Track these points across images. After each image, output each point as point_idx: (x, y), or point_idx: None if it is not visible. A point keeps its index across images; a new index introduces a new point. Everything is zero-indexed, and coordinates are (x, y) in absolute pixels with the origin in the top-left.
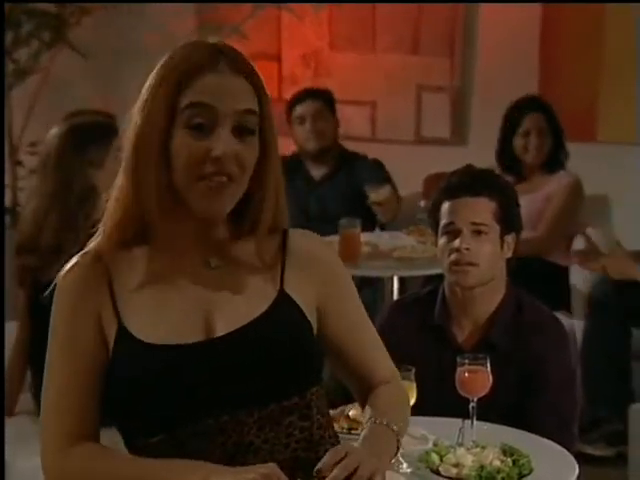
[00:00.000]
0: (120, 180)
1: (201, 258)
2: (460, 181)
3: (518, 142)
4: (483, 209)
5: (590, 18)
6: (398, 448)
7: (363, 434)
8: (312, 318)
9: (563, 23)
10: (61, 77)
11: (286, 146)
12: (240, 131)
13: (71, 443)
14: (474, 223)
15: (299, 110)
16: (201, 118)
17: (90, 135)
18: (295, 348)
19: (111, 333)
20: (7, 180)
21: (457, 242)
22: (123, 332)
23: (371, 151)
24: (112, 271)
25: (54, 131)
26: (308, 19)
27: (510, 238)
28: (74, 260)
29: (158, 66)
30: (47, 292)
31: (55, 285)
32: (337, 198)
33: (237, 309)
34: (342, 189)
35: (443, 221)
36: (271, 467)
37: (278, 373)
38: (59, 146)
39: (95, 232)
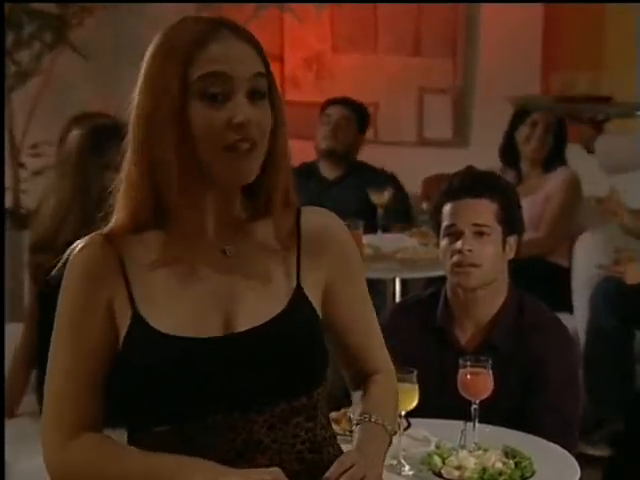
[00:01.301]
0: (130, 164)
1: (217, 244)
2: (461, 183)
3: (523, 131)
4: (485, 210)
5: (591, 18)
6: (390, 444)
7: (358, 434)
8: (319, 308)
9: (564, 23)
10: (62, 79)
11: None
12: (253, 96)
13: (73, 434)
14: (476, 224)
15: (329, 110)
16: (216, 87)
17: (109, 137)
18: (309, 347)
19: (124, 319)
20: (9, 182)
21: (459, 244)
22: (138, 320)
23: (373, 153)
24: (124, 255)
25: (75, 132)
26: (310, 21)
27: (512, 240)
28: (84, 241)
29: (156, 43)
30: (54, 271)
31: (60, 269)
32: (351, 197)
33: (257, 305)
34: (353, 191)
35: (445, 223)
36: (276, 472)
37: (291, 372)
38: (79, 147)
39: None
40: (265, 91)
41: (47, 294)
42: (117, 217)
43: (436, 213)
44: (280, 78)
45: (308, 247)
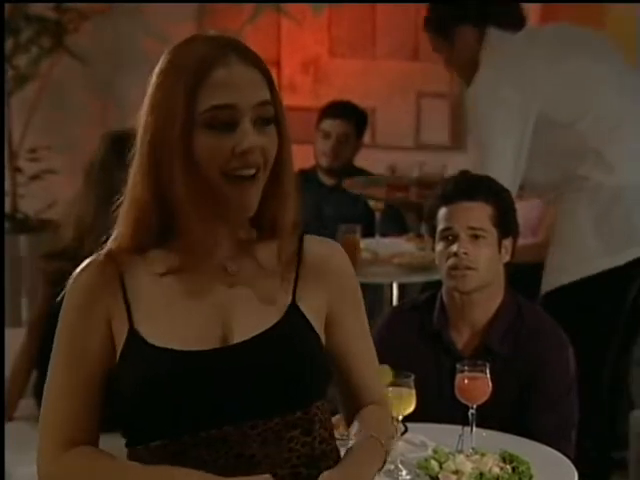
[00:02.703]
0: (136, 183)
1: (220, 262)
2: (456, 187)
3: None
4: (480, 213)
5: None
6: (384, 463)
7: (352, 445)
8: (321, 330)
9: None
10: (60, 84)
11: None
12: (258, 122)
13: (68, 447)
14: (471, 227)
15: (327, 125)
16: (223, 117)
17: (130, 145)
18: (304, 360)
19: (121, 336)
20: (6, 186)
21: (455, 247)
22: (134, 335)
23: (371, 157)
24: (125, 273)
25: (100, 144)
26: (307, 25)
27: (508, 242)
28: (87, 262)
29: (163, 64)
30: (60, 296)
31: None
32: (349, 203)
33: (252, 318)
34: (351, 196)
35: (440, 226)
36: (267, 479)
37: (285, 385)
38: (103, 155)
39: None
40: (271, 117)
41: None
42: (120, 235)
43: (431, 217)
44: (277, 82)
45: (307, 274)
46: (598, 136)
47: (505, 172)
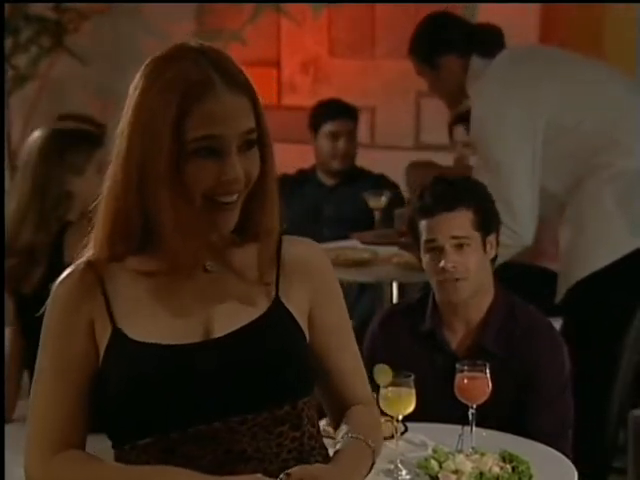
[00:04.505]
0: (118, 195)
1: (200, 261)
2: (434, 199)
3: None
4: (462, 221)
5: (590, 18)
6: (372, 464)
7: (338, 448)
8: (304, 327)
9: (562, 24)
10: (60, 83)
11: (283, 151)
12: (244, 148)
13: (55, 451)
14: (455, 237)
15: (332, 127)
16: (210, 146)
17: (72, 141)
18: (287, 356)
19: (104, 337)
20: (6, 186)
21: (442, 262)
22: (117, 334)
23: (370, 157)
24: (105, 277)
25: (37, 133)
26: (307, 25)
27: (492, 237)
28: (67, 271)
29: (147, 79)
30: (44, 308)
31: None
32: (349, 202)
33: (235, 311)
34: (351, 196)
35: (423, 238)
36: (258, 478)
37: (271, 381)
38: (41, 148)
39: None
40: (255, 139)
41: (24, 300)
42: (98, 243)
43: (413, 228)
44: (277, 83)
45: (287, 271)
46: (608, 128)
47: (524, 194)
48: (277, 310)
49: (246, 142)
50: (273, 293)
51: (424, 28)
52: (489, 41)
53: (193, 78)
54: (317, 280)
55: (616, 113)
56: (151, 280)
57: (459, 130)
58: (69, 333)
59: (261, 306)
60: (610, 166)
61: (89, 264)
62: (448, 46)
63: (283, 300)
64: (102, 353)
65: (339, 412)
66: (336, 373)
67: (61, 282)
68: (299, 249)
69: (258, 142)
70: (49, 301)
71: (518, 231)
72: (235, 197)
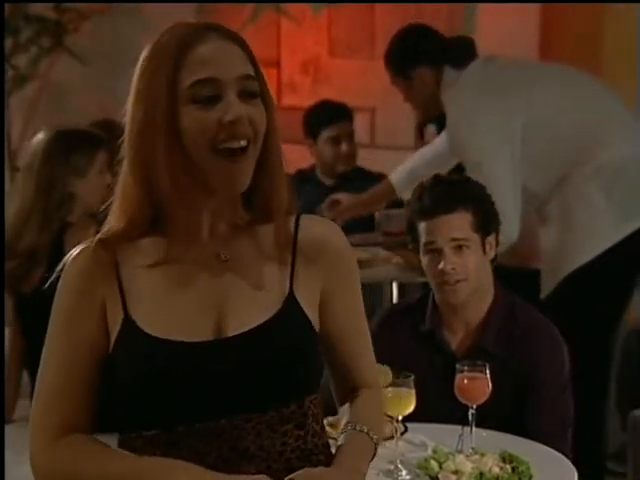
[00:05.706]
0: (125, 174)
1: (213, 248)
2: (432, 201)
3: None
4: (461, 223)
5: (590, 18)
6: (374, 455)
7: (342, 442)
8: (315, 319)
9: (561, 28)
10: (60, 83)
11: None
12: (244, 95)
13: (59, 435)
14: (454, 239)
15: (332, 132)
16: (207, 91)
17: (76, 143)
18: (299, 354)
19: (116, 323)
20: (6, 186)
21: (442, 264)
22: (129, 323)
23: (370, 157)
24: (119, 260)
25: (41, 135)
26: (307, 26)
27: (491, 238)
28: (80, 247)
29: (145, 53)
30: (52, 279)
31: (58, 273)
32: None
33: (248, 310)
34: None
35: (423, 240)
36: (263, 479)
37: (280, 379)
38: (45, 149)
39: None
40: (257, 91)
41: (24, 300)
42: (112, 224)
43: (412, 230)
44: (277, 83)
45: (304, 255)
46: (586, 124)
47: (507, 192)
48: (290, 308)
49: (246, 91)
50: (287, 285)
51: (397, 41)
52: (461, 52)
53: (186, 34)
54: (333, 261)
55: (592, 110)
56: (163, 271)
57: (430, 130)
58: (81, 315)
59: (274, 301)
60: (593, 159)
61: (102, 242)
62: (421, 58)
63: (296, 293)
64: (113, 339)
65: (345, 392)
66: (344, 354)
67: (76, 257)
68: (316, 228)
69: (260, 96)
70: (62, 276)
71: (504, 229)
72: (243, 143)
